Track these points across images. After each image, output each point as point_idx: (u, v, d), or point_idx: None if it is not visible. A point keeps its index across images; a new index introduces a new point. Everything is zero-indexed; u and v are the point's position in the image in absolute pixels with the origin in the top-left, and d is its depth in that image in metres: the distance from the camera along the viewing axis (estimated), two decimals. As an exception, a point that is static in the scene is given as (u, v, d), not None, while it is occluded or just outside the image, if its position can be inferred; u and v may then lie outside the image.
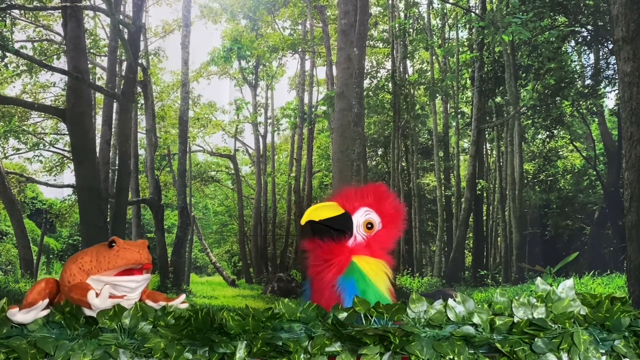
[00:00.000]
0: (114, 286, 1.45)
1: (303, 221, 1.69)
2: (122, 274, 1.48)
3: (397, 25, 7.70)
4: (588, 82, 6.98)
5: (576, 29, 6.85)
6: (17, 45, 7.19)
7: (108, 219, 6.90)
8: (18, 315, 1.40)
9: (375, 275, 1.65)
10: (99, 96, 7.54)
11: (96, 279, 1.47)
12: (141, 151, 7.83)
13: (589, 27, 6.86)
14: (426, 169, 7.84)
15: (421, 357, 1.25)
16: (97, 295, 1.39)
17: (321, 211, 1.71)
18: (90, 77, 7.25)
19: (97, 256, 1.50)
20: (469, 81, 7.40)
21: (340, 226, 1.71)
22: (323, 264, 1.67)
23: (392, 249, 1.76)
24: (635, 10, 5.25)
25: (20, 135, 7.60)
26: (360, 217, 1.73)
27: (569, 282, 1.31)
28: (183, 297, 1.50)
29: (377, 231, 1.74)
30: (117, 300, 1.41)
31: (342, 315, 1.33)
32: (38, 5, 7.27)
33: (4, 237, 7.39)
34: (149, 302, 1.47)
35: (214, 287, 7.69)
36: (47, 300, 1.43)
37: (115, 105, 7.38)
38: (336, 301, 1.53)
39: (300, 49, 8.13)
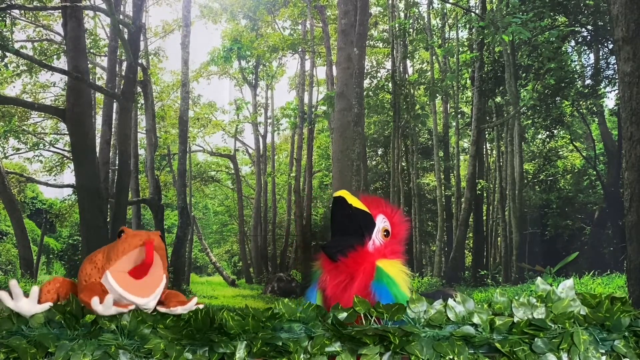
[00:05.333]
0: (120, 297, 1.43)
1: (337, 194, 1.73)
2: (137, 270, 1.45)
3: (397, 25, 7.70)
4: (588, 82, 6.98)
5: (576, 29, 6.85)
6: (17, 45, 7.19)
7: (108, 219, 6.90)
8: (10, 302, 1.38)
9: (400, 277, 1.70)
10: (99, 96, 7.54)
11: (109, 280, 1.45)
12: (141, 151, 7.82)
13: (589, 27, 6.86)
14: (426, 169, 7.84)
15: (421, 357, 1.25)
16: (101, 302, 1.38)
17: (355, 200, 1.74)
18: (90, 77, 7.25)
19: (107, 250, 1.49)
20: (469, 81, 7.40)
21: (366, 223, 1.74)
22: (348, 276, 1.68)
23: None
24: (635, 10, 5.25)
25: (20, 135, 7.60)
26: (380, 223, 1.78)
27: (569, 282, 1.31)
28: (195, 300, 1.47)
29: (389, 240, 1.80)
30: (122, 309, 1.39)
31: (342, 316, 1.33)
32: (38, 5, 7.27)
33: (4, 237, 7.38)
34: (161, 309, 1.44)
35: (214, 287, 7.69)
36: (48, 304, 1.41)
37: (115, 105, 7.38)
38: None
39: (300, 49, 8.13)
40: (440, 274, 7.15)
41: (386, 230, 1.78)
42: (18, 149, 7.67)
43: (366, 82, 7.55)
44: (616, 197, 6.16)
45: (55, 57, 7.47)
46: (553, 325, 1.26)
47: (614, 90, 6.54)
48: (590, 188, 6.92)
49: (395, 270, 1.70)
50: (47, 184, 7.90)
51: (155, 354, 1.32)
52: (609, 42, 6.63)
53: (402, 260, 1.77)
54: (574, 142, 7.17)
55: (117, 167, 7.33)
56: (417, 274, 7.20)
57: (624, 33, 5.30)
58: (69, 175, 7.69)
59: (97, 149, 7.06)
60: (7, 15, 7.04)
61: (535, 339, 1.25)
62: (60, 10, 6.94)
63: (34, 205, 8.09)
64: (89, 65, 7.24)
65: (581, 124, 7.08)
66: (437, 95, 7.66)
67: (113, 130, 7.40)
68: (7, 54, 6.98)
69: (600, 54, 6.88)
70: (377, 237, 1.76)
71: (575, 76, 6.98)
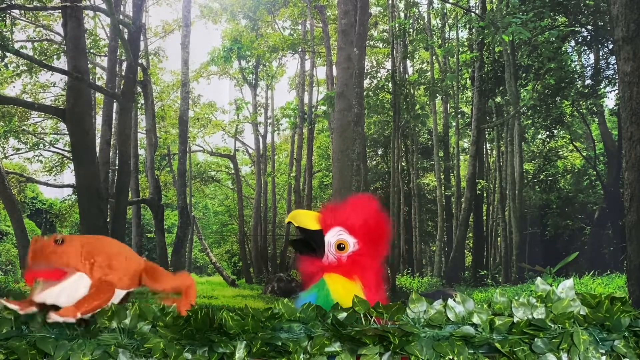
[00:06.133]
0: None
1: (287, 220, 1.72)
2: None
3: (397, 25, 7.70)
4: (588, 82, 6.98)
5: (576, 29, 6.85)
6: (17, 45, 7.19)
7: (108, 219, 6.89)
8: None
9: (342, 297, 1.54)
10: (99, 96, 7.54)
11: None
12: (141, 151, 7.83)
13: (589, 27, 6.86)
14: (426, 169, 7.85)
15: (421, 357, 1.25)
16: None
17: (302, 218, 1.71)
18: (90, 77, 7.25)
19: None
20: (469, 81, 7.40)
21: (312, 242, 1.70)
22: (303, 275, 1.69)
23: (376, 267, 1.71)
24: (635, 10, 5.25)
25: (20, 135, 7.61)
26: (332, 237, 1.68)
27: (569, 282, 1.31)
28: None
29: (354, 251, 1.68)
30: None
31: (342, 316, 1.33)
32: (38, 5, 7.27)
33: (4, 237, 7.39)
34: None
35: (214, 287, 7.69)
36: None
37: (115, 105, 7.38)
38: None
39: (300, 49, 8.13)
40: (440, 274, 7.15)
41: (340, 244, 1.66)
42: (18, 149, 7.67)
43: (366, 82, 7.56)
44: (616, 197, 6.16)
45: (55, 57, 7.47)
46: (553, 326, 1.26)
47: (614, 90, 6.54)
48: (590, 188, 6.92)
49: (338, 288, 1.60)
50: (47, 184, 7.91)
51: (154, 353, 1.32)
52: (609, 42, 6.63)
53: (365, 282, 1.63)
54: (574, 142, 7.17)
55: (117, 167, 7.33)
56: (417, 274, 7.20)
57: (624, 33, 5.29)
58: (69, 175, 7.70)
59: (97, 149, 7.06)
60: (7, 15, 7.04)
61: (535, 339, 1.25)
62: (60, 10, 6.94)
63: (34, 205, 8.10)
64: (89, 65, 7.24)
65: (581, 124, 7.09)
66: (437, 95, 7.66)
67: (113, 130, 7.40)
68: (7, 54, 6.98)
69: (600, 54, 6.88)
70: (330, 252, 1.66)
71: (575, 76, 6.98)
